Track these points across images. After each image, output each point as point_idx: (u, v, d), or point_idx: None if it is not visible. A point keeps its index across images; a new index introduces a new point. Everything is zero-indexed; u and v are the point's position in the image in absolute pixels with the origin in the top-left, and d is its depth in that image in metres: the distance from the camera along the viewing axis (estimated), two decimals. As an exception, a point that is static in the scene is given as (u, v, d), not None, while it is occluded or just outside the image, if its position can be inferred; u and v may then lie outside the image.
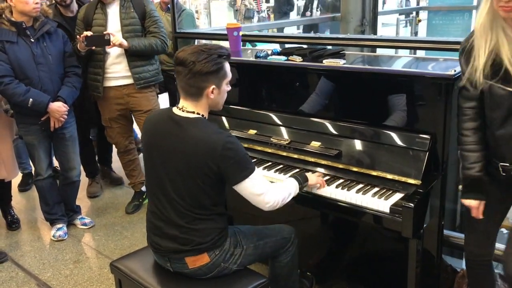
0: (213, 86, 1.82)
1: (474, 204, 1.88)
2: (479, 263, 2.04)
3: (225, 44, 3.11)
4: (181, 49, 1.85)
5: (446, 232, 2.26)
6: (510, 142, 1.75)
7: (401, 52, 3.31)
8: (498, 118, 1.75)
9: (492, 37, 1.67)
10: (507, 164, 1.78)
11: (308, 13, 9.78)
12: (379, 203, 1.93)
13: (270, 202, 1.88)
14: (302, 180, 2.04)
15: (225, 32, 2.90)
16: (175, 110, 1.88)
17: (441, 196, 2.09)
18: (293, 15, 10.71)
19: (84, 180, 3.81)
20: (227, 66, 1.86)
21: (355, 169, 2.14)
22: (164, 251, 1.93)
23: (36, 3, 2.84)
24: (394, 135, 2.10)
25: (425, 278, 2.15)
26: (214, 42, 3.97)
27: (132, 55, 3.24)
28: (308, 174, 2.11)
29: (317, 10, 9.79)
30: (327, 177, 2.17)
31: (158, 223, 1.92)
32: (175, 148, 1.82)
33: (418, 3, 6.76)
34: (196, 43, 4.34)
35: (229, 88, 1.92)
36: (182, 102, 1.87)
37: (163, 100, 4.46)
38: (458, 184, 2.09)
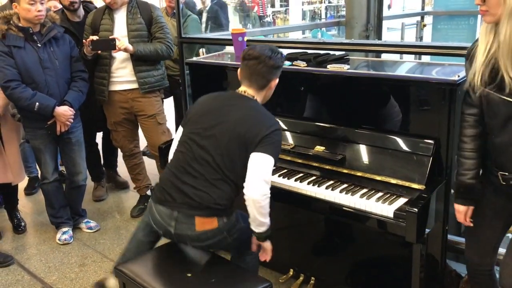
0: (277, 79, 2.11)
1: (461, 209, 1.89)
2: (480, 272, 2.01)
3: (230, 49, 3.13)
4: (250, 47, 2.12)
5: (450, 237, 2.26)
6: (508, 151, 1.73)
7: (406, 57, 3.31)
8: (495, 126, 1.74)
9: (493, 42, 1.66)
10: (506, 173, 1.76)
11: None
12: (383, 207, 1.94)
13: (261, 190, 1.90)
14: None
15: (230, 37, 2.91)
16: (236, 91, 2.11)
17: (445, 201, 2.09)
18: (299, 20, 10.74)
19: (89, 184, 3.83)
20: None
21: (359, 173, 2.14)
22: (177, 204, 1.96)
23: (39, 11, 2.86)
24: (398, 140, 2.10)
25: (429, 283, 2.15)
26: (217, 47, 3.99)
27: (138, 60, 3.26)
28: None
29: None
30: (331, 182, 2.18)
31: (181, 176, 1.98)
32: (233, 112, 2.01)
33: (423, 8, 6.75)
34: (201, 48, 4.37)
35: None
36: (244, 88, 2.09)
37: (169, 105, 4.48)
38: (451, 188, 2.08)
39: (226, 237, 2.03)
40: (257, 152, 1.92)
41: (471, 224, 1.92)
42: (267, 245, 2.09)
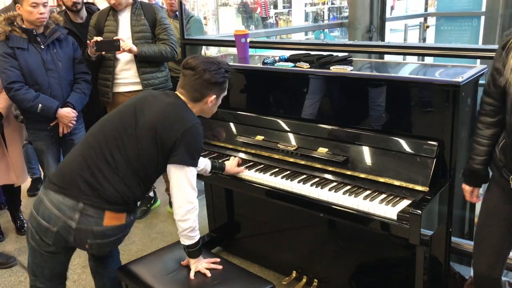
0: (214, 96, 1.99)
1: (467, 189, 2.00)
2: (488, 282, 1.99)
3: (233, 50, 3.13)
4: (192, 56, 2.01)
5: (454, 239, 2.25)
6: None
7: (409, 58, 3.31)
8: None
9: None
10: None
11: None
12: (386, 209, 1.93)
13: (186, 205, 1.88)
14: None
15: (233, 38, 2.91)
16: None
17: (449, 203, 2.08)
18: (302, 22, 10.73)
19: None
20: (227, 82, 2.05)
21: (362, 175, 2.13)
22: (85, 196, 1.83)
23: (41, 13, 2.87)
24: (401, 142, 2.09)
25: (433, 285, 2.14)
26: (222, 48, 4.00)
27: (142, 61, 3.27)
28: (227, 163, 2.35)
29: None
30: (334, 183, 2.17)
31: (91, 166, 1.86)
32: (152, 107, 1.92)
33: (426, 9, 6.74)
34: (204, 49, 4.38)
35: (220, 102, 2.06)
36: (179, 92, 1.99)
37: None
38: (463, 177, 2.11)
39: (123, 236, 1.98)
40: (173, 165, 1.86)
41: (478, 201, 2.00)
42: (192, 262, 2.00)
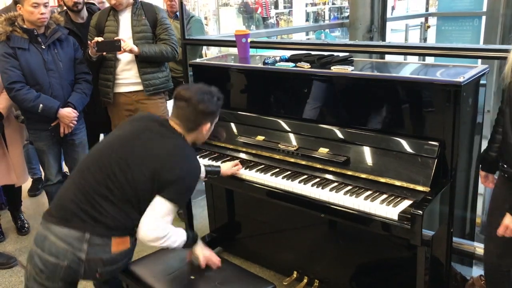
0: (209, 124, 2.03)
1: (482, 174, 2.11)
2: (497, 273, 2.02)
3: (234, 50, 3.13)
4: (184, 87, 2.03)
5: (455, 239, 2.24)
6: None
7: (410, 58, 3.30)
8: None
9: None
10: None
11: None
12: (387, 210, 1.93)
13: (153, 235, 1.85)
14: (191, 241, 2.03)
15: (234, 38, 2.91)
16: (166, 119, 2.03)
17: (450, 203, 2.07)
18: (302, 22, 10.74)
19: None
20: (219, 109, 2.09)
21: (363, 175, 2.13)
22: (89, 226, 1.81)
23: (42, 13, 2.86)
24: (402, 142, 2.09)
25: (434, 286, 2.13)
26: (222, 48, 3.99)
27: (143, 62, 3.26)
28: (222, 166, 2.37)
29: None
30: (335, 184, 2.17)
31: (90, 195, 1.84)
32: (157, 144, 1.90)
33: (427, 9, 6.74)
34: (204, 49, 4.37)
35: (212, 128, 2.10)
36: (174, 123, 1.99)
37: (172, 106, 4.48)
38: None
39: (128, 260, 1.99)
40: (161, 197, 1.85)
41: (491, 186, 2.07)
42: (195, 252, 2.06)
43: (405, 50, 2.67)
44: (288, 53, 2.67)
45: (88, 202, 1.84)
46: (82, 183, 1.88)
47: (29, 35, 2.92)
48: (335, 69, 2.32)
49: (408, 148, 2.07)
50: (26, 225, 3.57)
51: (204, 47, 4.52)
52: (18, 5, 2.91)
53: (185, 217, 3.07)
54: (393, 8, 12.14)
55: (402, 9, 12.98)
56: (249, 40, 2.86)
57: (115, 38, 3.14)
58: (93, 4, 3.81)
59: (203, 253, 2.07)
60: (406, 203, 1.95)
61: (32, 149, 3.75)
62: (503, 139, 1.87)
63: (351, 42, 3.24)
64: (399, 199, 1.98)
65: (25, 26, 2.91)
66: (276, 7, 12.24)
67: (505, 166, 1.87)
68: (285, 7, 12.47)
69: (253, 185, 2.34)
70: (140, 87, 3.33)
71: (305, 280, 2.63)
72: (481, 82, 2.21)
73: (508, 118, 1.80)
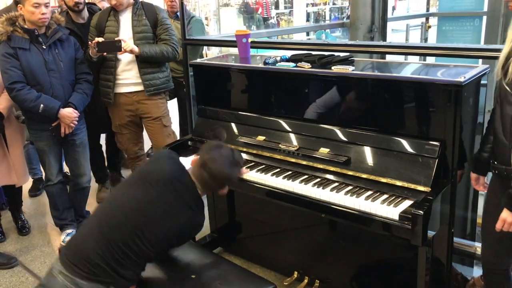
0: (226, 187, 2.14)
1: (473, 176, 2.09)
2: (495, 271, 2.02)
3: (234, 50, 3.13)
4: (212, 158, 2.02)
5: (456, 240, 2.24)
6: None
7: (411, 58, 3.30)
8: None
9: None
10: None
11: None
12: (388, 210, 1.92)
13: None
14: None
15: (235, 38, 2.91)
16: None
17: (451, 203, 2.07)
18: (303, 22, 10.74)
19: (93, 185, 3.83)
20: None
21: (364, 176, 2.13)
22: (112, 279, 1.86)
23: (43, 13, 2.87)
24: (403, 142, 2.09)
25: (434, 286, 2.13)
26: (223, 48, 3.99)
27: (143, 62, 3.26)
28: None
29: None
30: (336, 184, 2.17)
31: (113, 250, 1.88)
32: (176, 210, 1.96)
33: (428, 9, 6.73)
34: (205, 49, 4.37)
35: None
36: (195, 177, 2.03)
37: (172, 106, 4.48)
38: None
39: None
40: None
41: (483, 190, 2.06)
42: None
43: (406, 50, 2.66)
44: (288, 53, 2.67)
45: (113, 258, 1.87)
46: (107, 239, 1.88)
47: (30, 35, 2.92)
48: (336, 69, 2.32)
49: (409, 148, 2.07)
50: (27, 225, 3.57)
51: (205, 47, 4.51)
52: (19, 5, 2.91)
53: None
54: (393, 8, 12.15)
55: (402, 9, 12.99)
56: (249, 40, 2.86)
57: (116, 39, 3.14)
58: (94, 4, 3.82)
59: None
60: (407, 203, 1.95)
61: (33, 149, 3.75)
62: (494, 135, 1.86)
63: (351, 42, 3.24)
64: (400, 199, 1.98)
65: (26, 26, 2.91)
66: (277, 7, 12.26)
67: (496, 162, 1.86)
68: (285, 7, 12.48)
69: (254, 185, 2.34)
70: (140, 88, 3.33)
71: (306, 281, 2.63)
72: (482, 82, 2.20)
73: (499, 114, 1.80)
